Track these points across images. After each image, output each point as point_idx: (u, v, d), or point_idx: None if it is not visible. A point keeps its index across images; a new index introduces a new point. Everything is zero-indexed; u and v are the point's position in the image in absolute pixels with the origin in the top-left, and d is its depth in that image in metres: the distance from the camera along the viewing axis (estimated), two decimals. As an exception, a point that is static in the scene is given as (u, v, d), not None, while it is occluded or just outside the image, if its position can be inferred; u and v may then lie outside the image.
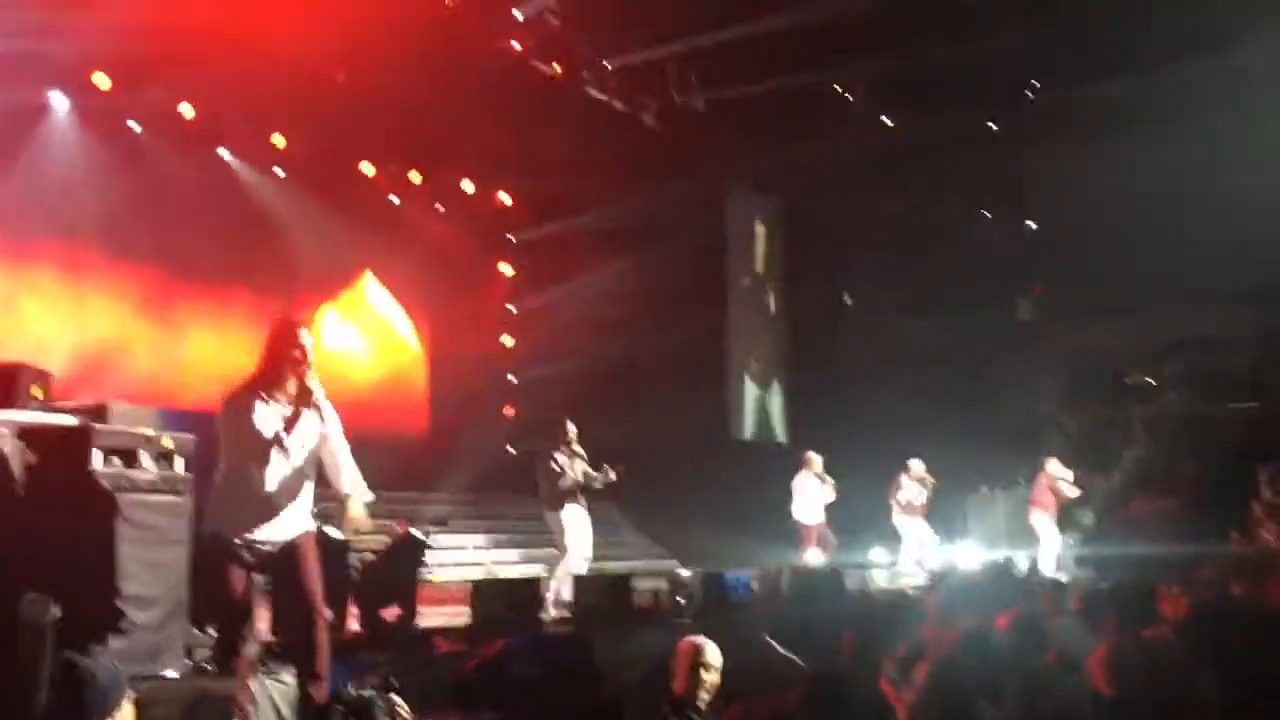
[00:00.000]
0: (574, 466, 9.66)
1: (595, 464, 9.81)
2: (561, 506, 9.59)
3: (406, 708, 3.90)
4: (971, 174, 18.97)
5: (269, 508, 4.97)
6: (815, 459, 13.61)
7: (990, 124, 18.43)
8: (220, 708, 4.65)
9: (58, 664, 3.50)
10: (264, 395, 4.98)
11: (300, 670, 5.09)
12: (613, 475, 9.78)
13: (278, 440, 4.92)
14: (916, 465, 14.25)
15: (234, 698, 4.75)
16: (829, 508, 13.50)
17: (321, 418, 5.09)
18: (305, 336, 5.09)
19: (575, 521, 9.60)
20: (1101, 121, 16.80)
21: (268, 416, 4.95)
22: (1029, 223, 20.90)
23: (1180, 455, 17.39)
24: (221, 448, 5.07)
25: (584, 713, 6.24)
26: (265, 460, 4.90)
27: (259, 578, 5.05)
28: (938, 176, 18.58)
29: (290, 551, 5.04)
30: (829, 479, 13.51)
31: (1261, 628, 5.21)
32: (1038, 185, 19.40)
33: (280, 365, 5.02)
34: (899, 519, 14.15)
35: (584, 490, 9.63)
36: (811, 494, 13.42)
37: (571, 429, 9.80)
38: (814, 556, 14.26)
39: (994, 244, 20.22)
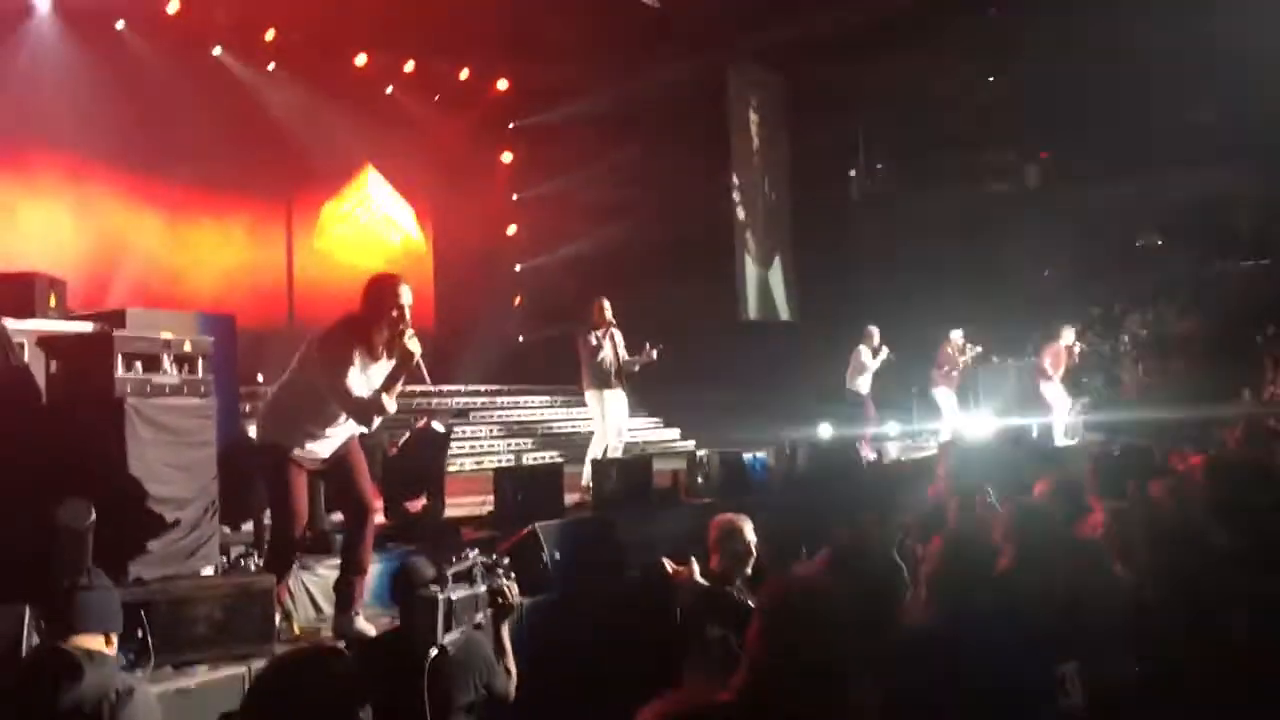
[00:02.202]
0: (611, 346, 9.66)
1: (632, 346, 9.85)
2: (597, 387, 9.62)
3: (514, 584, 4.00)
4: (976, 38, 18.61)
5: (333, 435, 5.15)
6: (873, 332, 13.95)
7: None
8: (261, 601, 4.76)
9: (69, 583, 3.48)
10: (362, 349, 5.03)
11: (344, 561, 5.24)
12: (654, 354, 9.78)
13: (360, 385, 5.01)
14: (956, 336, 14.40)
15: (273, 591, 4.88)
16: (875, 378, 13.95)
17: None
18: (405, 295, 5.10)
19: (610, 403, 9.66)
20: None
21: (358, 372, 5.02)
22: (1035, 88, 20.52)
23: (1189, 316, 17.44)
24: (299, 368, 5.13)
25: (611, 593, 6.38)
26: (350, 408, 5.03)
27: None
28: (941, 44, 18.23)
29: (341, 457, 5.20)
30: (883, 351, 13.88)
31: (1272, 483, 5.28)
32: (1042, 48, 19.04)
33: (378, 321, 5.05)
34: (938, 391, 14.31)
35: (620, 372, 9.63)
36: (866, 367, 13.81)
37: (608, 307, 9.76)
38: (825, 430, 14.40)
39: (1000, 111, 19.92)
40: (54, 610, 3.34)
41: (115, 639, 3.37)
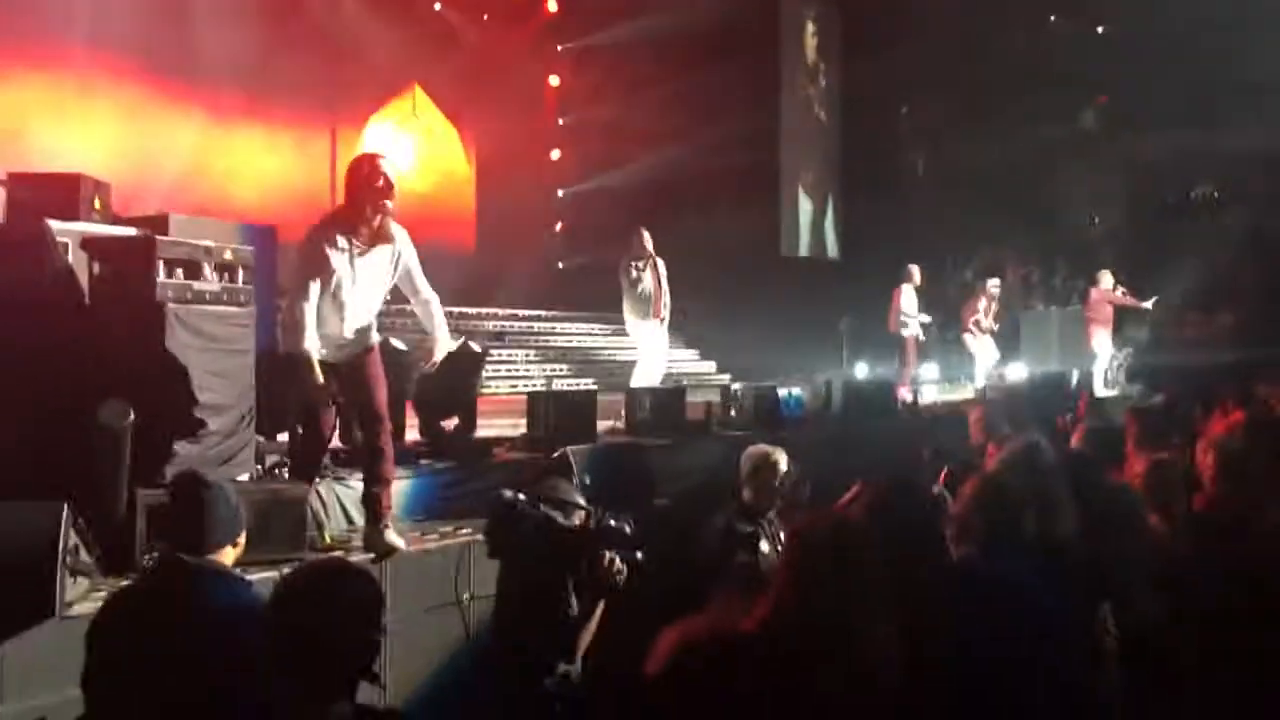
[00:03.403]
0: (652, 276, 9.69)
1: (673, 278, 9.91)
2: (637, 316, 9.69)
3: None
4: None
5: (338, 334, 5.12)
6: (915, 271, 13.49)
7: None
8: (293, 509, 4.81)
9: (183, 481, 3.51)
10: (345, 231, 5.02)
11: (366, 474, 5.27)
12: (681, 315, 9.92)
13: (353, 278, 5.03)
14: (993, 285, 14.15)
15: (305, 500, 4.93)
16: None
17: (398, 252, 5.19)
18: (388, 168, 5.08)
19: (650, 333, 9.70)
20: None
21: (346, 253, 5.01)
22: (1097, 28, 19.98)
23: (1239, 270, 17.11)
24: (297, 273, 5.12)
25: (642, 519, 6.40)
26: (338, 295, 5.02)
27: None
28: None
29: (357, 365, 5.20)
30: (922, 317, 13.56)
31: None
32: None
33: (362, 200, 5.02)
34: (972, 338, 14.02)
35: (659, 302, 9.67)
36: (911, 307, 13.36)
37: (647, 238, 9.77)
38: (861, 370, 14.31)
39: (1059, 52, 19.43)
40: (180, 521, 3.32)
41: (241, 542, 3.36)
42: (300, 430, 5.47)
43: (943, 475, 5.00)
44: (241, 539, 3.36)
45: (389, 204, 5.04)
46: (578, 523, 3.86)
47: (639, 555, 3.76)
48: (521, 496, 3.84)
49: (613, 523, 3.80)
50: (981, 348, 13.99)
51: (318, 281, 4.96)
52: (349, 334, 5.16)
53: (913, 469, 5.21)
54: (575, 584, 3.72)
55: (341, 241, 5.00)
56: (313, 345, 4.94)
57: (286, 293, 5.27)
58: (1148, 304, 14.25)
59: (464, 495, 6.38)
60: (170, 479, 3.94)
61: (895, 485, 3.42)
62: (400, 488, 5.95)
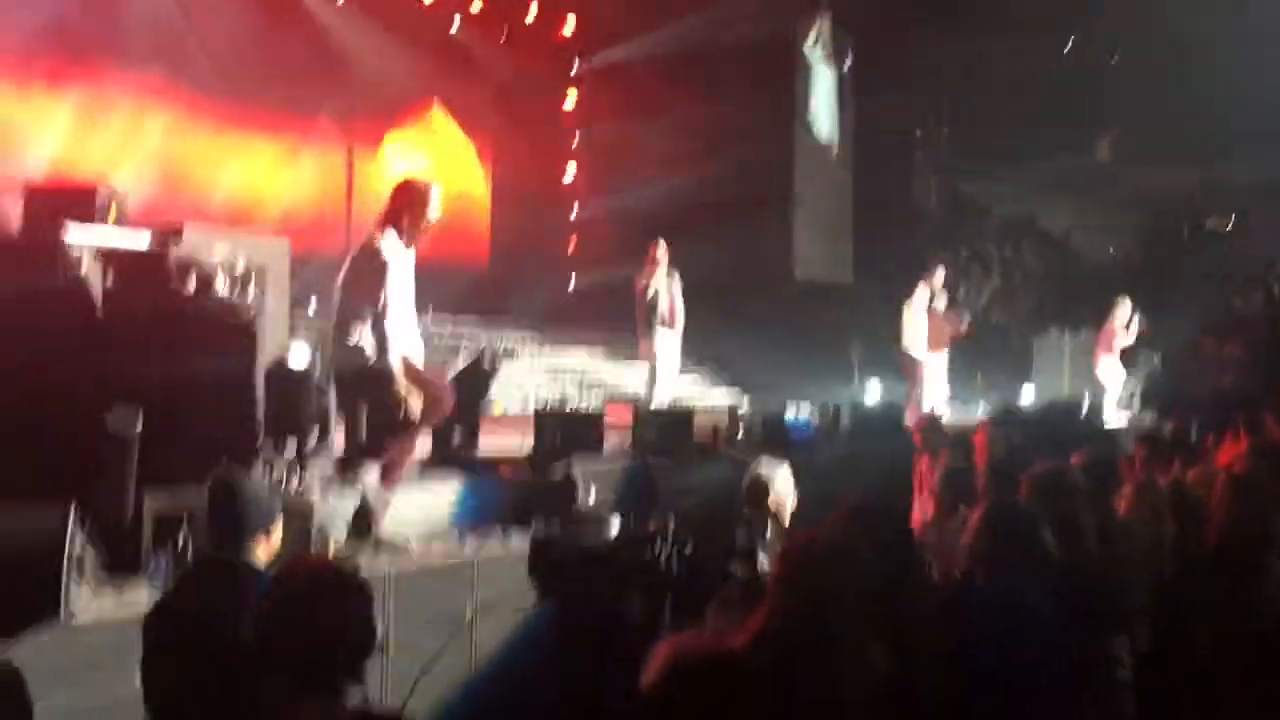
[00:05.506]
0: (665, 289, 9.62)
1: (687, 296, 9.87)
2: (647, 328, 9.62)
3: None
4: (1049, 11, 18.18)
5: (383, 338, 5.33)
6: (937, 270, 13.08)
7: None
8: (296, 520, 4.84)
9: (215, 481, 3.65)
10: (400, 245, 5.38)
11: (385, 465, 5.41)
12: None
13: (406, 286, 5.38)
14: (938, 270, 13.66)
15: (308, 511, 4.96)
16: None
17: None
18: (437, 200, 5.51)
19: (664, 344, 9.65)
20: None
21: (401, 263, 5.37)
22: (1112, 57, 19.98)
23: (1251, 301, 17.05)
24: (351, 283, 5.39)
25: (645, 536, 6.40)
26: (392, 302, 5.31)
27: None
28: (1016, 15, 17.80)
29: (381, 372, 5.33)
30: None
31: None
32: (1121, 17, 18.55)
33: (414, 217, 5.40)
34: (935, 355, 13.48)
35: (671, 317, 9.61)
36: (922, 327, 12.80)
37: (660, 249, 9.70)
38: (873, 389, 14.23)
39: (1074, 81, 19.45)
40: (212, 519, 3.52)
41: (275, 531, 3.52)
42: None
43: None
44: (275, 529, 3.51)
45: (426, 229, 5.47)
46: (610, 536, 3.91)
47: (688, 547, 3.85)
48: (549, 532, 3.92)
49: (650, 526, 3.88)
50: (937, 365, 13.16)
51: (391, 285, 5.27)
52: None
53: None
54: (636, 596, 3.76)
55: (401, 254, 5.36)
56: (398, 356, 5.26)
57: (354, 298, 5.42)
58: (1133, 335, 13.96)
59: (468, 511, 6.40)
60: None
61: (867, 504, 3.42)
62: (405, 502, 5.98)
